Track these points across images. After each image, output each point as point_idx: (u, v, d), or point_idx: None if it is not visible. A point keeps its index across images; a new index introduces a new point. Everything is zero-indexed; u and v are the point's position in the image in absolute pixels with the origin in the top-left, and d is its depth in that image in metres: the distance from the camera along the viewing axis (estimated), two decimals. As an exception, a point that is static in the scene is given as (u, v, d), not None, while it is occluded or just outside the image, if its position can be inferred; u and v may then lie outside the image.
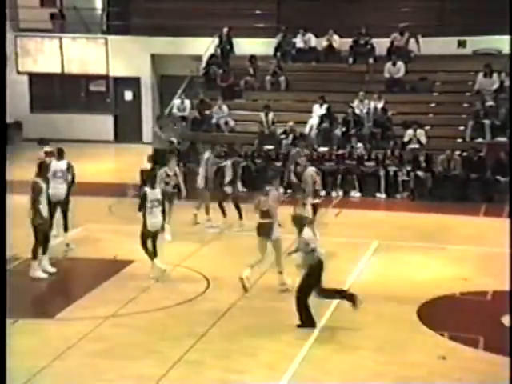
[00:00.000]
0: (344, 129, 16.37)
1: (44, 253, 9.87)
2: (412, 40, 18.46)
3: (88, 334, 8.08)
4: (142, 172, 13.77)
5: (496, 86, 16.65)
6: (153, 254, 9.90)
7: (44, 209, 9.75)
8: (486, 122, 15.73)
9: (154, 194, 9.87)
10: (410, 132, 15.74)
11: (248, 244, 11.59)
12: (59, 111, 22.16)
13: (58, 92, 22.72)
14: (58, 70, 22.33)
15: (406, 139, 15.75)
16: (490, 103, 16.06)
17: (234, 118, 17.64)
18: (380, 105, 16.68)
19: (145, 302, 9.14)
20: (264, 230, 9.55)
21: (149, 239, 9.88)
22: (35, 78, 22.32)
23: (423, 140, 15.55)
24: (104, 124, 22.33)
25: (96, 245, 11.42)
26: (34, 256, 9.79)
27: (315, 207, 10.76)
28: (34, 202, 9.66)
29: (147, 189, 9.92)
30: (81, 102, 22.56)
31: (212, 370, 7.33)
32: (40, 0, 22.96)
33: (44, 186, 9.84)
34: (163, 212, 10.05)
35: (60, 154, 11.26)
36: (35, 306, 8.77)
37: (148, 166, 13.82)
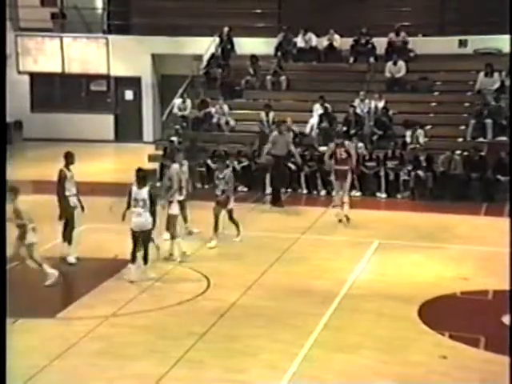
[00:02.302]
0: (345, 128, 16.36)
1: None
2: (411, 39, 18.46)
3: (88, 334, 8.08)
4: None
5: (497, 85, 16.64)
6: (134, 256, 9.74)
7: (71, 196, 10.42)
8: (488, 121, 15.71)
9: (138, 193, 9.66)
10: (409, 133, 15.74)
11: (248, 244, 11.65)
12: (60, 111, 22.18)
13: (59, 92, 22.74)
14: (58, 70, 22.34)
15: (407, 140, 15.74)
16: (492, 102, 16.05)
17: (234, 118, 17.65)
18: (381, 104, 16.67)
19: (145, 301, 9.14)
20: (342, 175, 12.79)
21: (138, 239, 9.71)
22: (36, 78, 22.34)
23: (421, 140, 15.53)
24: (105, 123, 22.35)
25: (96, 244, 11.42)
26: (70, 241, 10.48)
27: (182, 204, 11.18)
28: (62, 190, 10.32)
29: (133, 187, 9.79)
30: (81, 101, 22.58)
31: (212, 370, 7.33)
32: (41, 0, 23.00)
33: (69, 174, 10.44)
34: (153, 214, 9.70)
35: None
36: (35, 306, 8.75)
37: (149, 165, 13.79)
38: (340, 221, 12.83)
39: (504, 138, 15.58)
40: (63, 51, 22.19)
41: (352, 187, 15.10)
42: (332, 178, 13.33)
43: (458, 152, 15.16)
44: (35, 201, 12.58)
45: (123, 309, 8.83)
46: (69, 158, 10.59)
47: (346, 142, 13.21)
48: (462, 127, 16.11)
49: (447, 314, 8.91)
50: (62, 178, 10.42)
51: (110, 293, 9.36)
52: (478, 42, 18.39)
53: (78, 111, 22.18)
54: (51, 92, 22.71)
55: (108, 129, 22.42)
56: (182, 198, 11.11)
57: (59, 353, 7.57)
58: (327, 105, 16.92)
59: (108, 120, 22.46)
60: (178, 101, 18.23)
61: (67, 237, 10.50)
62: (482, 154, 15.09)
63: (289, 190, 15.61)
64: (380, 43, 18.57)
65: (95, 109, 22.34)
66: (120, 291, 9.37)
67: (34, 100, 22.33)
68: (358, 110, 16.65)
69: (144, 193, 9.64)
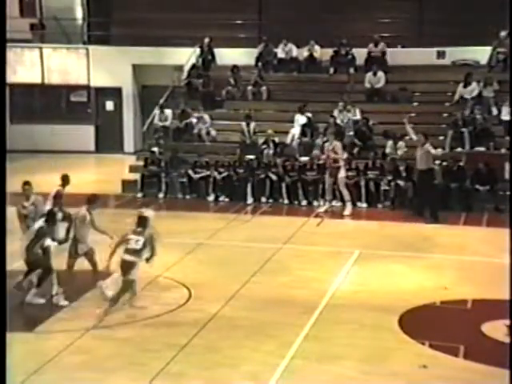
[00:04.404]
0: (325, 138, 16.42)
1: None
2: (389, 50, 18.66)
3: (68, 347, 8.00)
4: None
5: (474, 95, 16.83)
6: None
7: None
8: (465, 131, 15.89)
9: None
10: (390, 143, 15.85)
11: (230, 254, 11.64)
12: (40, 122, 22.04)
13: (39, 103, 22.60)
14: (38, 81, 22.22)
15: (387, 150, 15.86)
16: (469, 113, 16.24)
17: (215, 128, 17.67)
18: (357, 117, 16.78)
19: (126, 313, 9.06)
20: (334, 172, 14.41)
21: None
22: (15, 89, 22.14)
23: (400, 152, 15.62)
24: (85, 134, 22.26)
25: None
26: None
27: None
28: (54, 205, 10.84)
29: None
30: (62, 112, 22.48)
31: (193, 382, 7.30)
32: (20, 10, 22.87)
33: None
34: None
35: None
36: (13, 319, 8.64)
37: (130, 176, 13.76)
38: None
39: (482, 149, 15.77)
40: (43, 62, 22.09)
41: (334, 197, 15.29)
42: (326, 176, 14.63)
43: (437, 162, 15.29)
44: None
45: (103, 321, 8.76)
46: (65, 181, 11.21)
47: (335, 143, 14.54)
48: (441, 137, 16.26)
49: (428, 323, 8.96)
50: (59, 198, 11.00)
51: (90, 305, 9.28)
52: (455, 54, 18.63)
53: (58, 122, 22.04)
54: (31, 103, 22.56)
55: (88, 140, 22.32)
56: None
57: (38, 367, 7.49)
58: (309, 114, 17.03)
59: (88, 131, 22.36)
60: (158, 111, 18.21)
61: None
62: (461, 164, 15.24)
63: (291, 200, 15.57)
64: (360, 54, 18.73)
65: (75, 120, 22.24)
66: (100, 303, 9.29)
67: (14, 111, 22.10)
68: (338, 121, 16.75)
69: None
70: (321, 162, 15.36)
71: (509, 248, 10.74)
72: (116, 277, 9.05)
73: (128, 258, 8.81)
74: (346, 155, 14.90)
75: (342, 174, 14.48)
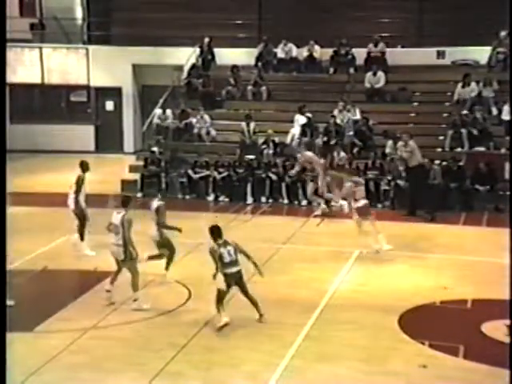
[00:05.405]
0: (325, 139, 16.45)
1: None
2: (389, 50, 18.67)
3: (68, 347, 8.01)
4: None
5: (474, 95, 16.84)
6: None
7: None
8: (464, 131, 15.90)
9: (114, 217, 9.35)
10: (390, 143, 15.85)
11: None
12: (40, 122, 22.05)
13: (39, 103, 22.62)
14: (38, 81, 22.24)
15: (387, 150, 15.86)
16: (468, 113, 16.24)
17: (215, 128, 17.68)
18: (357, 117, 16.78)
19: (125, 313, 9.08)
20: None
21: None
22: (15, 89, 22.11)
23: (399, 152, 15.59)
24: (85, 134, 22.27)
25: (76, 256, 11.33)
26: (82, 238, 11.48)
27: None
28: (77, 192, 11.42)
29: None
30: (61, 112, 22.49)
31: (193, 382, 7.31)
32: (19, 10, 22.89)
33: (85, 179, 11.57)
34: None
35: None
36: (13, 319, 8.64)
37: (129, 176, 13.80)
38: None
39: (482, 149, 15.78)
40: (43, 62, 22.10)
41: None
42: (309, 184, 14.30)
43: (437, 162, 15.30)
44: (16, 213, 12.46)
45: (103, 321, 8.77)
46: (85, 166, 11.65)
47: (306, 153, 14.41)
48: (441, 137, 16.27)
49: (427, 323, 8.97)
50: (80, 182, 11.49)
51: (89, 305, 9.29)
52: (455, 54, 18.64)
53: (58, 122, 22.05)
54: (31, 103, 22.58)
55: (88, 139, 22.33)
56: None
57: (37, 367, 7.49)
58: (309, 114, 17.03)
59: (88, 131, 22.37)
60: (158, 111, 18.22)
61: (83, 235, 11.46)
62: (461, 164, 15.24)
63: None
64: (360, 54, 18.74)
65: (75, 120, 22.25)
66: (100, 303, 9.30)
67: (14, 111, 22.07)
68: (339, 121, 16.76)
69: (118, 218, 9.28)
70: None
71: (509, 248, 10.74)
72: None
73: (234, 270, 8.68)
74: (322, 160, 14.68)
75: (320, 182, 14.31)
